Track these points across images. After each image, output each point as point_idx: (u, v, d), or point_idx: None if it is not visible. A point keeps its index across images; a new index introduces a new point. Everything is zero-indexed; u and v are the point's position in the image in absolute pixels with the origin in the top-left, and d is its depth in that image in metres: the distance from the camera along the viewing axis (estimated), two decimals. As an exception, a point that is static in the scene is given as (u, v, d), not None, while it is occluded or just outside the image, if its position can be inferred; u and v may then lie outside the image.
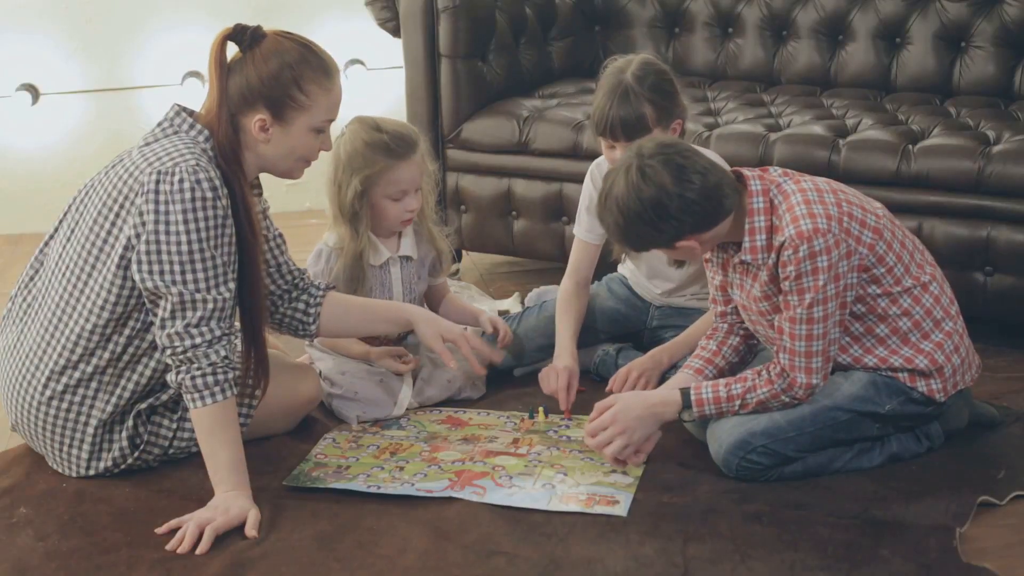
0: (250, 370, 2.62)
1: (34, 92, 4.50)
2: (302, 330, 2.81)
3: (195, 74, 4.54)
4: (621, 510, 2.48)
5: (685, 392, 2.59)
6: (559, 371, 2.93)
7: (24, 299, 2.68)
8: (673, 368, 2.92)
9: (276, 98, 2.53)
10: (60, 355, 2.57)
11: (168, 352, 2.47)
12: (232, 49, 2.57)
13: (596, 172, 3.10)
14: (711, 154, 2.86)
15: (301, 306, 2.79)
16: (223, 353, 2.48)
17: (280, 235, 2.79)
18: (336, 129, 2.78)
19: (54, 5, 4.46)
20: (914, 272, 2.57)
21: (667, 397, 2.61)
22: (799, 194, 2.50)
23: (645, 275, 3.15)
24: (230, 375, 2.49)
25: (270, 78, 2.52)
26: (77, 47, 4.51)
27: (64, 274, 2.58)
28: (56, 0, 4.46)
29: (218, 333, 2.48)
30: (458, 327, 2.85)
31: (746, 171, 2.55)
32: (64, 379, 2.57)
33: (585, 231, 3.10)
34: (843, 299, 2.51)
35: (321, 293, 2.81)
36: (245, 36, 2.55)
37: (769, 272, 2.53)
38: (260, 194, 2.72)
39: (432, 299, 3.18)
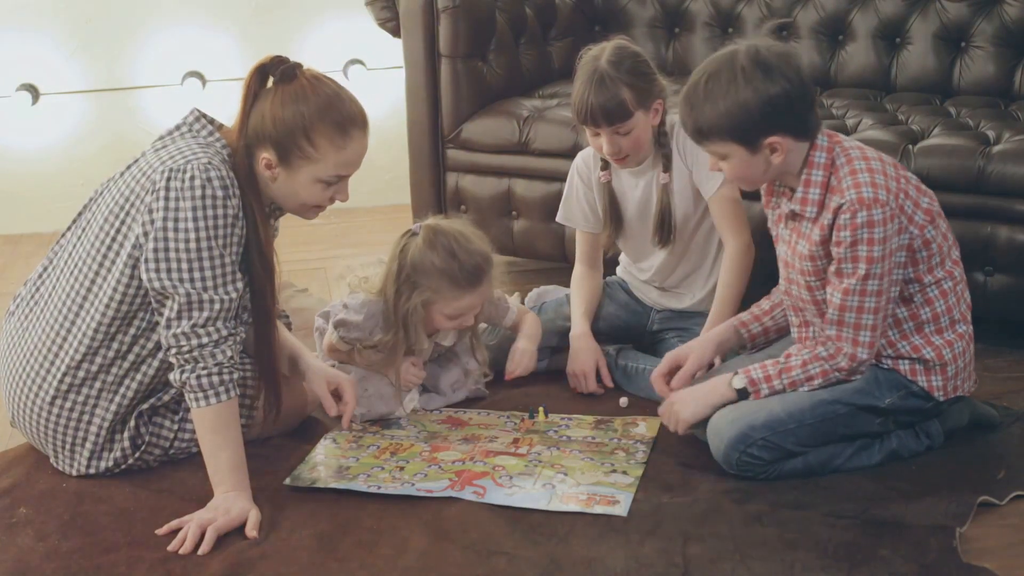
0: (261, 391, 2.63)
1: (34, 92, 4.50)
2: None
3: (195, 74, 4.54)
4: (621, 510, 2.48)
5: (741, 391, 2.61)
6: (579, 357, 3.04)
7: (32, 296, 2.68)
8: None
9: (284, 144, 2.49)
10: (66, 353, 2.57)
11: (173, 351, 2.47)
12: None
13: (582, 166, 3.13)
14: None
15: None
16: (229, 353, 2.48)
17: None
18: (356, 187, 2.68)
19: (54, 5, 4.46)
20: (948, 267, 2.57)
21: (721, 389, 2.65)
22: (863, 161, 2.49)
23: (632, 258, 3.18)
24: (235, 375, 2.49)
25: (281, 122, 2.48)
26: (77, 47, 4.51)
27: (73, 273, 2.58)
28: (56, 0, 4.46)
29: (224, 333, 2.48)
30: (344, 375, 2.81)
31: None
32: (68, 378, 2.57)
33: (581, 223, 3.16)
34: (895, 276, 2.50)
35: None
36: (277, 70, 2.51)
37: (823, 233, 2.51)
38: (276, 214, 2.69)
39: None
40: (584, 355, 3.04)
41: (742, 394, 2.61)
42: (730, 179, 2.63)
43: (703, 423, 2.65)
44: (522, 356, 3.00)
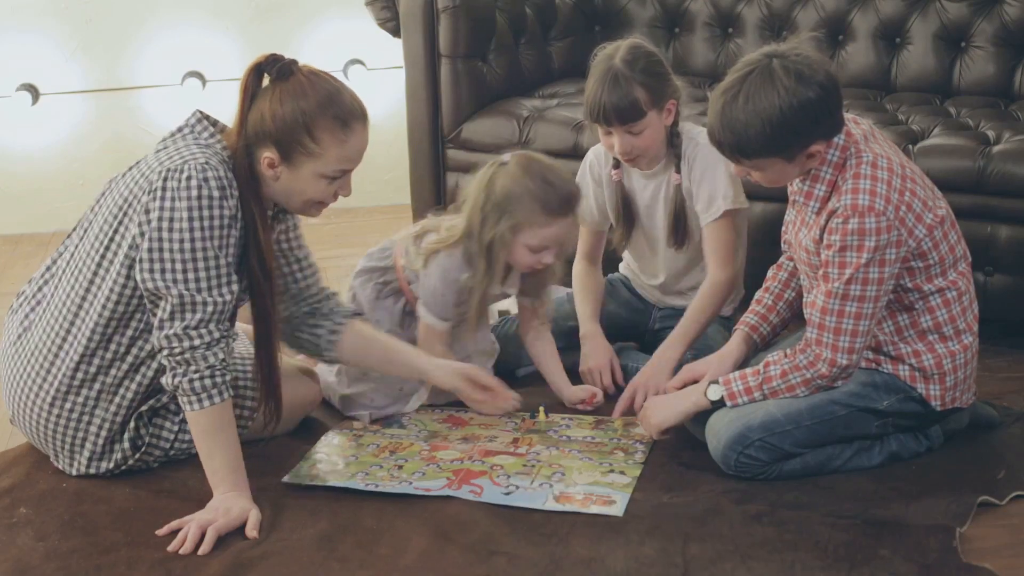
0: (262, 400, 2.63)
1: (34, 92, 4.49)
2: (319, 355, 2.79)
3: (195, 74, 4.54)
4: (617, 510, 2.47)
5: (717, 402, 2.61)
6: (594, 354, 3.04)
7: (35, 295, 2.68)
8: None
9: (285, 141, 2.47)
10: (65, 354, 2.57)
11: (165, 353, 2.46)
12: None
13: (594, 162, 3.11)
14: None
15: (323, 332, 2.74)
16: (221, 356, 2.47)
17: (308, 258, 2.76)
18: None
19: (54, 5, 4.46)
20: (951, 277, 2.55)
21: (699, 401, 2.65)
22: (871, 168, 2.46)
23: (638, 268, 3.17)
24: (228, 377, 2.48)
25: (282, 120, 2.46)
26: (77, 47, 4.51)
27: (73, 274, 2.58)
28: (56, 0, 4.46)
29: (217, 335, 2.47)
30: (471, 366, 2.80)
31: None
32: (68, 380, 2.57)
33: (587, 220, 3.12)
34: (886, 286, 2.48)
35: (343, 321, 2.76)
36: (273, 68, 2.49)
37: (820, 230, 2.51)
38: (279, 218, 2.68)
39: (524, 323, 3.07)
40: (598, 352, 3.03)
41: (718, 404, 2.61)
42: (758, 182, 2.58)
43: (701, 423, 2.65)
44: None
